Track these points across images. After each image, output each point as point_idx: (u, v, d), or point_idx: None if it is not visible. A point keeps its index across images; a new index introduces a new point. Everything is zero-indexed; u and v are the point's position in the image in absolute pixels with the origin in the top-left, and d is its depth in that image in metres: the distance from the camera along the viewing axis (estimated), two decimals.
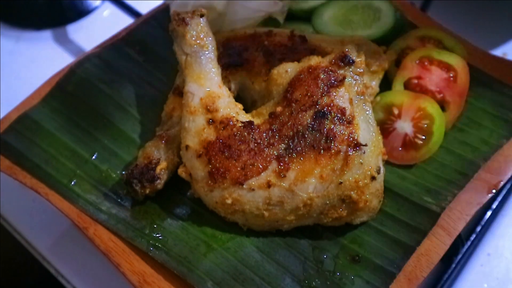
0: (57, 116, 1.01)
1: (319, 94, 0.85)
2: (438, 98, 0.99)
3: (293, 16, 1.16)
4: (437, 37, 1.09)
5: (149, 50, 1.12)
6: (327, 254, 0.86)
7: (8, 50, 1.34)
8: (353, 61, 0.88)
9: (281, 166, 0.82)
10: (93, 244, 0.86)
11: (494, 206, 0.99)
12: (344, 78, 0.86)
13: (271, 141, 0.84)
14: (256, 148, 0.83)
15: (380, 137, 0.88)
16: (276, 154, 0.83)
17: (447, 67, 1.02)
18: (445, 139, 0.96)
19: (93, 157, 0.97)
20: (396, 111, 0.97)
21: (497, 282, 0.94)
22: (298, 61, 0.93)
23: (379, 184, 0.86)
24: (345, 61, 0.88)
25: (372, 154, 0.84)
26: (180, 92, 0.95)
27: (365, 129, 0.85)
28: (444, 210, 0.87)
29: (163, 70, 1.10)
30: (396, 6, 1.14)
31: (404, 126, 0.96)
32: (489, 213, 0.98)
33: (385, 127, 0.96)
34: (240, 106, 0.90)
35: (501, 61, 1.08)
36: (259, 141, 0.84)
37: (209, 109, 0.87)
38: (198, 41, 0.91)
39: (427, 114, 0.95)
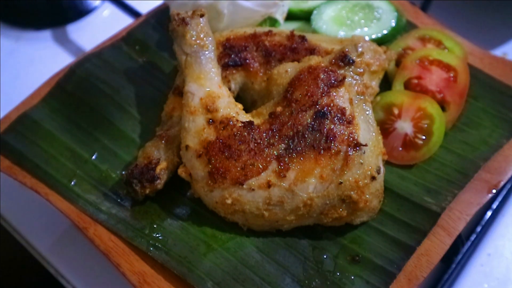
0: (57, 116, 1.01)
1: (319, 94, 0.85)
2: (438, 98, 0.99)
3: (293, 16, 1.16)
4: (437, 37, 1.09)
5: (149, 50, 1.12)
6: (327, 254, 0.86)
7: (8, 50, 1.34)
8: (353, 61, 0.88)
9: (281, 166, 0.82)
10: (93, 244, 0.86)
11: (494, 206, 0.99)
12: (344, 78, 0.86)
13: (271, 141, 0.84)
14: (256, 148, 0.83)
15: (380, 137, 0.88)
16: (276, 154, 0.83)
17: (447, 67, 1.02)
18: (445, 139, 0.96)
19: (93, 157, 0.97)
20: (396, 111, 0.97)
21: (497, 282, 0.94)
22: (298, 61, 0.93)
23: (379, 184, 0.86)
24: (345, 61, 0.88)
25: (372, 154, 0.84)
26: (180, 92, 0.95)
27: (365, 129, 0.85)
28: (444, 210, 0.87)
29: (163, 70, 1.10)
30: (396, 6, 1.14)
31: (404, 126, 0.96)
32: (489, 213, 0.98)
33: (385, 127, 0.96)
34: (240, 106, 0.90)
35: (501, 61, 1.08)
36: (259, 141, 0.84)
37: (209, 109, 0.87)
38: (198, 41, 0.91)
39: (427, 114, 0.95)
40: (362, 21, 1.12)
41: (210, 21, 0.96)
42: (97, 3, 1.42)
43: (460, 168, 0.93)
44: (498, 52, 1.26)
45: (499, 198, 1.00)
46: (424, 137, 0.94)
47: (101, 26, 1.37)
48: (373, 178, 0.83)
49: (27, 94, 1.03)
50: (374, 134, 0.85)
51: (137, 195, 0.90)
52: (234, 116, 0.86)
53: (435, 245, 0.84)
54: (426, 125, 0.95)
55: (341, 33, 1.10)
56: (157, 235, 0.87)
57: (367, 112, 0.87)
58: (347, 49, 0.88)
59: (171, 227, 0.89)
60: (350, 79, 0.87)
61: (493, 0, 1.37)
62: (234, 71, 0.98)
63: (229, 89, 0.96)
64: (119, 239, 0.87)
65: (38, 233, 1.01)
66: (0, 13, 1.40)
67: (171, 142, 0.92)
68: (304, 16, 1.16)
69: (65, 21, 1.38)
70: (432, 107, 0.95)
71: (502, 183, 0.90)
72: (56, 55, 1.32)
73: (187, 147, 0.86)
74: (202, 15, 0.92)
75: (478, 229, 0.96)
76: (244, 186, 0.82)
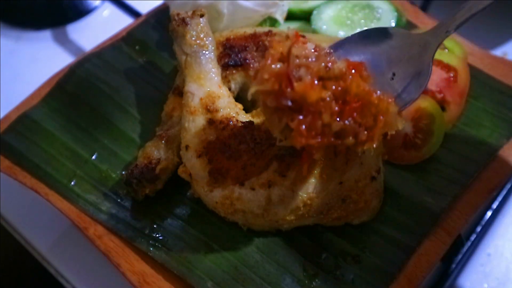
0: (57, 116, 1.01)
1: None
2: (438, 98, 0.99)
3: (293, 16, 1.16)
4: None
5: (149, 50, 1.12)
6: (327, 254, 0.86)
7: (8, 50, 1.34)
8: None
9: (281, 166, 0.82)
10: (93, 244, 0.86)
11: (494, 206, 0.99)
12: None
13: (271, 141, 0.84)
14: (256, 148, 0.83)
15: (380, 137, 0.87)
16: (276, 154, 0.83)
17: (447, 67, 1.01)
18: (445, 139, 0.96)
19: (93, 157, 0.97)
20: None
21: (497, 282, 0.94)
22: None
23: (379, 184, 0.86)
24: None
25: (372, 154, 0.84)
26: (180, 92, 0.95)
27: None
28: (444, 210, 0.87)
29: (163, 70, 1.10)
30: (396, 6, 1.14)
31: (404, 126, 0.95)
32: (489, 213, 0.98)
33: None
34: (240, 106, 0.90)
35: (501, 61, 1.08)
36: (259, 141, 0.84)
37: (209, 109, 0.87)
38: (198, 41, 0.91)
39: (427, 114, 0.95)
40: (362, 21, 1.12)
41: (210, 21, 0.96)
42: (97, 3, 1.42)
43: (460, 168, 0.93)
44: (498, 52, 1.26)
45: (499, 198, 1.00)
46: (424, 137, 0.94)
47: (101, 26, 1.37)
48: (373, 178, 0.83)
49: (27, 94, 1.03)
50: None
51: (137, 195, 0.90)
52: (234, 116, 0.86)
53: (435, 245, 0.84)
54: (426, 125, 0.94)
55: (341, 33, 1.10)
56: (157, 235, 0.87)
57: None
58: None
59: (171, 227, 0.89)
60: None
61: (493, 0, 1.36)
62: (234, 71, 0.98)
63: (229, 89, 0.96)
64: (119, 239, 0.87)
65: (38, 233, 1.01)
66: (0, 13, 1.40)
67: (171, 142, 0.92)
68: (304, 16, 1.16)
69: (65, 21, 1.38)
70: (432, 107, 0.95)
71: (502, 183, 0.90)
72: (56, 55, 1.32)
73: (187, 147, 0.86)
74: (202, 15, 0.92)
75: (478, 229, 0.96)
76: (245, 186, 0.82)
